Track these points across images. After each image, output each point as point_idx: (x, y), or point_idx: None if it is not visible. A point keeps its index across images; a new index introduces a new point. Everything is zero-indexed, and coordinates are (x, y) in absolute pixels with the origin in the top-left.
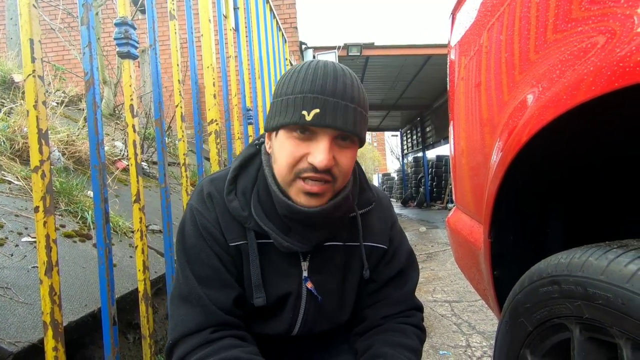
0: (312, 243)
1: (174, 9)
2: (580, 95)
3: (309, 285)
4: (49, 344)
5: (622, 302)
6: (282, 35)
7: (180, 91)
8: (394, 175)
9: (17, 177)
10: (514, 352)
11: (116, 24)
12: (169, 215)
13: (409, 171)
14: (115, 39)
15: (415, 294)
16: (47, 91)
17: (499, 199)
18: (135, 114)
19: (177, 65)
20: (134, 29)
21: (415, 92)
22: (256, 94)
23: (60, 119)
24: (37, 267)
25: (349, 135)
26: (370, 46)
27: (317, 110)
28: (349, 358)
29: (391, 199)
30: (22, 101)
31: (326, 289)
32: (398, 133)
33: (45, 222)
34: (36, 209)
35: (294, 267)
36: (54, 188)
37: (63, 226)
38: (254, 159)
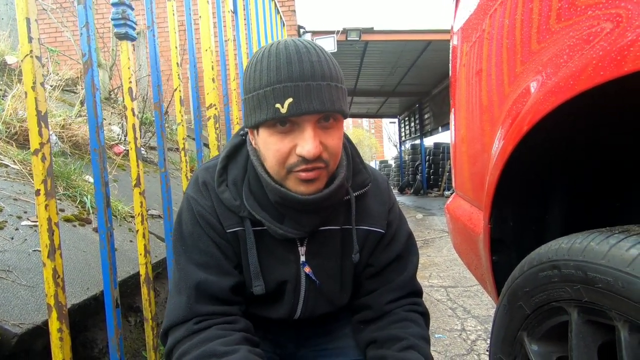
0: (307, 229)
1: None
2: (587, 82)
3: (307, 269)
4: (54, 325)
5: (622, 286)
6: (281, 18)
7: (178, 74)
8: (392, 162)
9: (14, 161)
10: (511, 335)
11: (113, 4)
12: (169, 200)
13: (407, 158)
14: (112, 19)
15: None
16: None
17: (500, 186)
18: (134, 97)
19: (176, 47)
20: (132, 9)
21: (415, 79)
22: None
23: (56, 103)
24: (38, 250)
25: (331, 114)
26: (370, 31)
27: (291, 100)
28: (350, 343)
29: None
30: (18, 84)
31: (325, 272)
32: (396, 120)
33: (46, 205)
34: (37, 192)
35: (291, 253)
36: (60, 173)
37: (62, 210)
38: (241, 149)
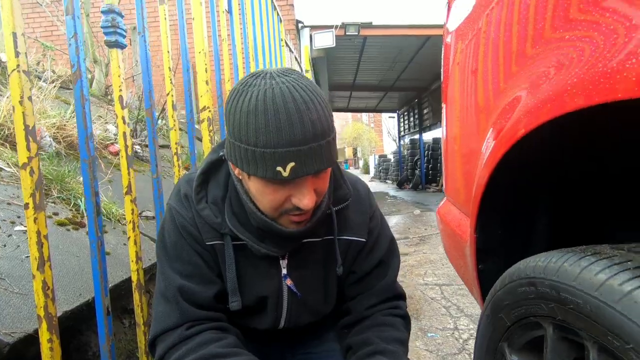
0: (288, 249)
1: None
2: (566, 108)
3: (289, 282)
4: (44, 336)
5: (591, 309)
6: (278, 14)
7: (171, 79)
8: (391, 156)
9: (7, 164)
10: (493, 344)
11: (103, 12)
12: (161, 205)
13: (405, 153)
14: (102, 27)
15: (407, 276)
16: (36, 71)
17: (487, 193)
18: (124, 105)
19: (168, 52)
20: (122, 16)
21: (414, 74)
22: None
23: (52, 102)
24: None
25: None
26: (369, 26)
27: (293, 164)
28: (334, 346)
29: (387, 181)
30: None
31: (307, 284)
32: (395, 115)
33: (35, 219)
34: (26, 206)
35: (272, 266)
36: (47, 175)
37: (56, 214)
38: (220, 167)
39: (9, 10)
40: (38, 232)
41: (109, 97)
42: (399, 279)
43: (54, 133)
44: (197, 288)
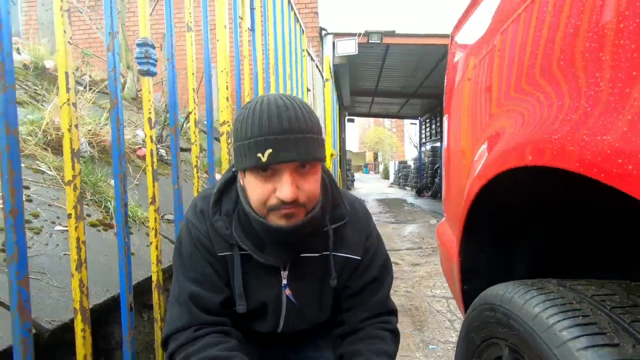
0: (285, 259)
1: (191, 22)
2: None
3: (288, 292)
4: (78, 326)
5: (528, 339)
6: (300, 26)
7: (194, 99)
8: (411, 163)
9: (49, 167)
10: None
11: (138, 45)
12: (180, 213)
13: (426, 160)
14: (137, 58)
15: (416, 287)
16: (75, 76)
17: (471, 217)
18: (152, 125)
19: (192, 74)
20: (154, 48)
21: (436, 82)
22: (269, 91)
23: (88, 109)
24: (68, 254)
25: (307, 162)
26: (391, 34)
27: (270, 150)
28: (328, 354)
29: (406, 187)
30: (55, 89)
31: (304, 295)
32: (417, 121)
33: (76, 227)
34: (69, 216)
35: (274, 277)
36: (83, 179)
37: (89, 215)
38: (233, 183)
39: (63, 55)
40: (77, 239)
41: (139, 100)
42: (408, 289)
43: (90, 139)
44: (206, 294)
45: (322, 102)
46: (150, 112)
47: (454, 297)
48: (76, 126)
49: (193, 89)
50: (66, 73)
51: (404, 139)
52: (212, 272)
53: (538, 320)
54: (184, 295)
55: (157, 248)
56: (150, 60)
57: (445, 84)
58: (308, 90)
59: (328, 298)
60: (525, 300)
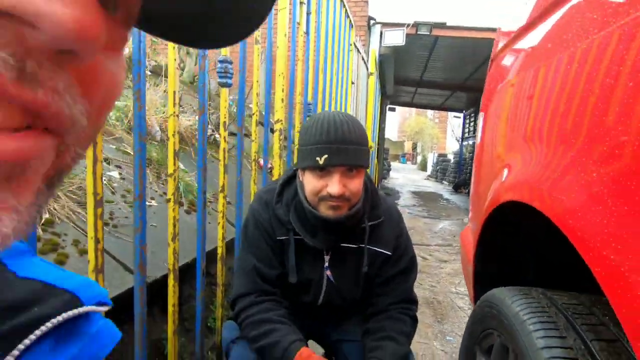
0: (329, 244)
1: (259, 35)
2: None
3: (328, 273)
4: (170, 282)
5: (510, 329)
6: (350, 21)
7: (257, 102)
8: (451, 157)
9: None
10: (471, 348)
11: (219, 61)
12: (240, 201)
13: (467, 155)
14: (218, 72)
15: (441, 283)
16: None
17: (486, 229)
18: (226, 128)
19: (257, 81)
20: (231, 64)
21: (484, 75)
22: (317, 89)
23: (162, 95)
24: (154, 225)
25: (353, 167)
26: (442, 26)
27: (326, 156)
28: (356, 328)
29: (443, 182)
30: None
31: (341, 277)
32: (461, 115)
33: (173, 209)
34: (168, 200)
35: (318, 259)
36: (159, 161)
37: (165, 193)
38: (293, 180)
39: (172, 77)
40: (174, 217)
41: (196, 83)
42: (433, 283)
43: (162, 124)
44: (265, 268)
45: (364, 95)
46: (225, 117)
47: (470, 295)
48: (179, 132)
49: (257, 93)
50: (174, 92)
51: (446, 131)
52: (271, 252)
53: (517, 317)
54: (249, 267)
55: (223, 228)
56: (228, 75)
57: (486, 80)
58: (352, 83)
59: (360, 282)
60: (512, 302)
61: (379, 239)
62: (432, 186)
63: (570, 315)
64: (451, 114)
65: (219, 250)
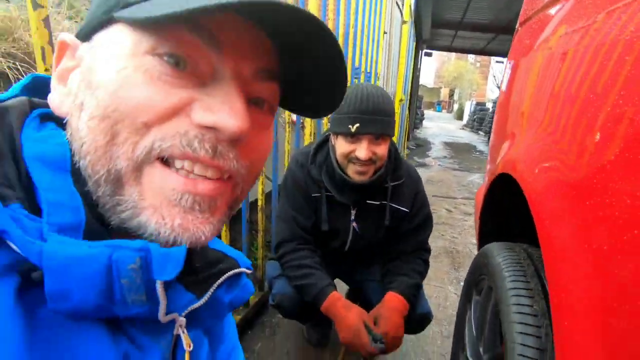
0: (354, 201)
1: None
2: None
3: (354, 224)
4: (223, 229)
5: (493, 275)
6: None
7: None
8: (489, 105)
9: None
10: (470, 290)
11: None
12: (276, 160)
13: None
14: None
15: (462, 234)
16: None
17: (491, 191)
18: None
19: None
20: None
21: None
22: (347, 43)
23: None
24: None
25: (380, 135)
26: None
27: (358, 124)
28: (377, 269)
29: (479, 132)
30: None
31: (365, 228)
32: (504, 60)
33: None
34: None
35: (346, 213)
36: None
37: None
38: (326, 143)
39: None
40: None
41: None
42: (454, 235)
43: None
44: (301, 218)
45: (397, 44)
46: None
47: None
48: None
49: None
50: None
51: (487, 78)
52: (306, 205)
53: (498, 266)
54: (289, 216)
55: (262, 184)
56: None
57: (518, 22)
58: (385, 33)
59: (381, 232)
60: (497, 254)
61: (399, 197)
62: (466, 137)
63: (539, 265)
64: (494, 59)
65: (259, 202)
